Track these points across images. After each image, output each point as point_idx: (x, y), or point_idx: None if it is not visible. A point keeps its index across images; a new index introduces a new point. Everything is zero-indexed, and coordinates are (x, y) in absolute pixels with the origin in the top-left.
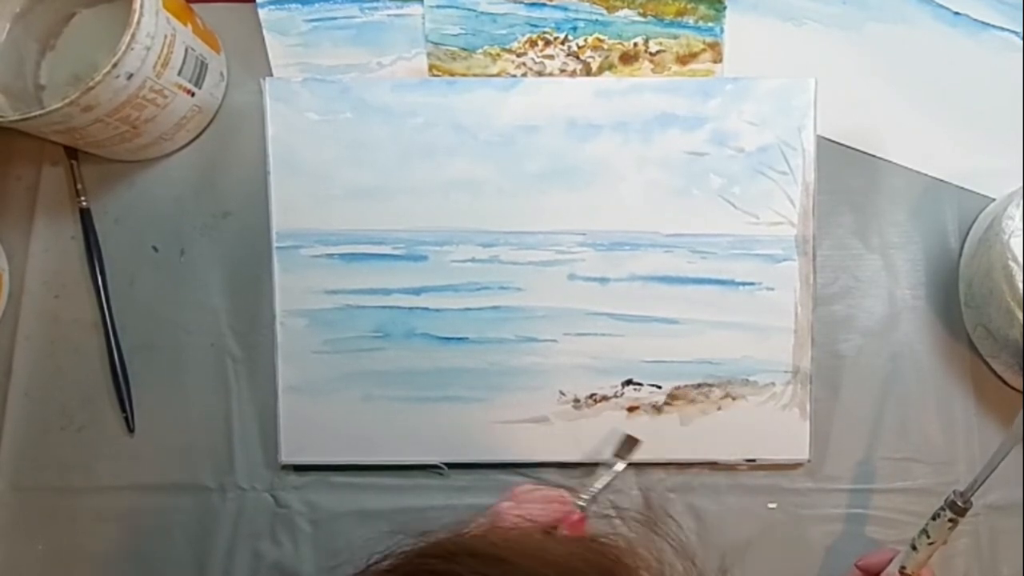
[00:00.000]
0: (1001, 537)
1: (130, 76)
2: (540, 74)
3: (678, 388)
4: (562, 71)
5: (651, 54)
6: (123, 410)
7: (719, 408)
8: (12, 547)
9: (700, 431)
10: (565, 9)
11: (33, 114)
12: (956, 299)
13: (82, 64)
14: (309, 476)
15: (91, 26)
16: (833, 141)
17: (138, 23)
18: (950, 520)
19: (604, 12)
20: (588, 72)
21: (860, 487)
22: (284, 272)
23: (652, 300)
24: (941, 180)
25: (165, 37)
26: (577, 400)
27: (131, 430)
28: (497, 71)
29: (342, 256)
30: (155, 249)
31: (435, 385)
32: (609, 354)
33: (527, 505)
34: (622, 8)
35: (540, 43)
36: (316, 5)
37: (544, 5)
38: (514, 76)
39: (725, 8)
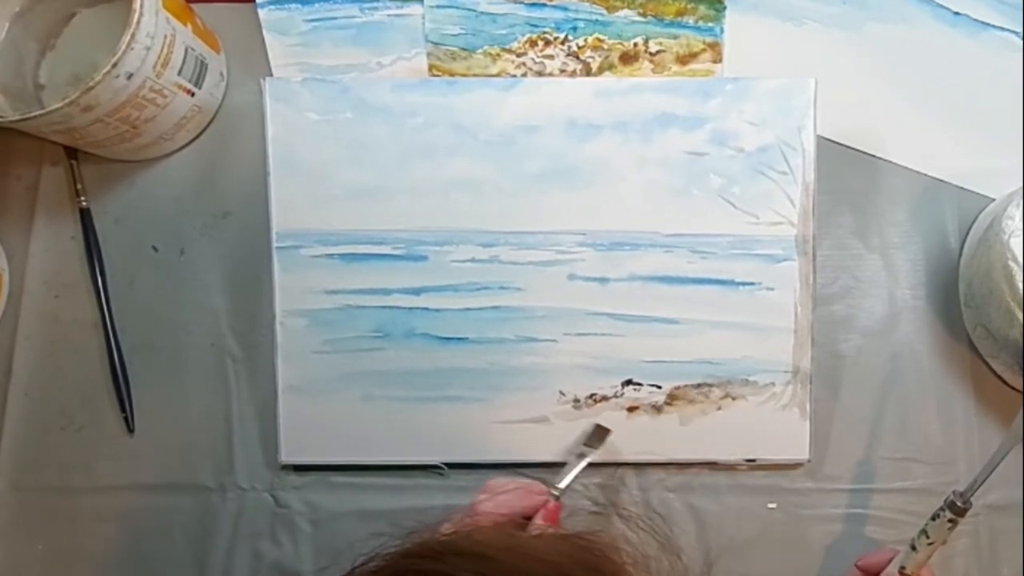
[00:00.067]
0: (1001, 537)
1: (130, 76)
2: (540, 74)
3: (678, 388)
4: (562, 71)
5: (651, 54)
6: (123, 410)
7: (719, 408)
8: (12, 547)
9: (700, 431)
10: (565, 9)
11: (33, 114)
12: (956, 299)
13: (82, 64)
14: (309, 476)
15: (91, 26)
16: (833, 141)
17: (138, 23)
18: (950, 520)
19: (604, 12)
20: (588, 72)
21: (860, 487)
22: (284, 272)
23: (652, 300)
24: (941, 180)
25: (165, 37)
26: (577, 400)
27: (131, 430)
28: (497, 71)
29: (342, 256)
30: (155, 249)
31: (435, 385)
32: (609, 354)
33: (502, 497)
34: (622, 8)
35: (540, 43)
36: (316, 5)
37: (544, 5)
38: (514, 76)
39: (725, 8)
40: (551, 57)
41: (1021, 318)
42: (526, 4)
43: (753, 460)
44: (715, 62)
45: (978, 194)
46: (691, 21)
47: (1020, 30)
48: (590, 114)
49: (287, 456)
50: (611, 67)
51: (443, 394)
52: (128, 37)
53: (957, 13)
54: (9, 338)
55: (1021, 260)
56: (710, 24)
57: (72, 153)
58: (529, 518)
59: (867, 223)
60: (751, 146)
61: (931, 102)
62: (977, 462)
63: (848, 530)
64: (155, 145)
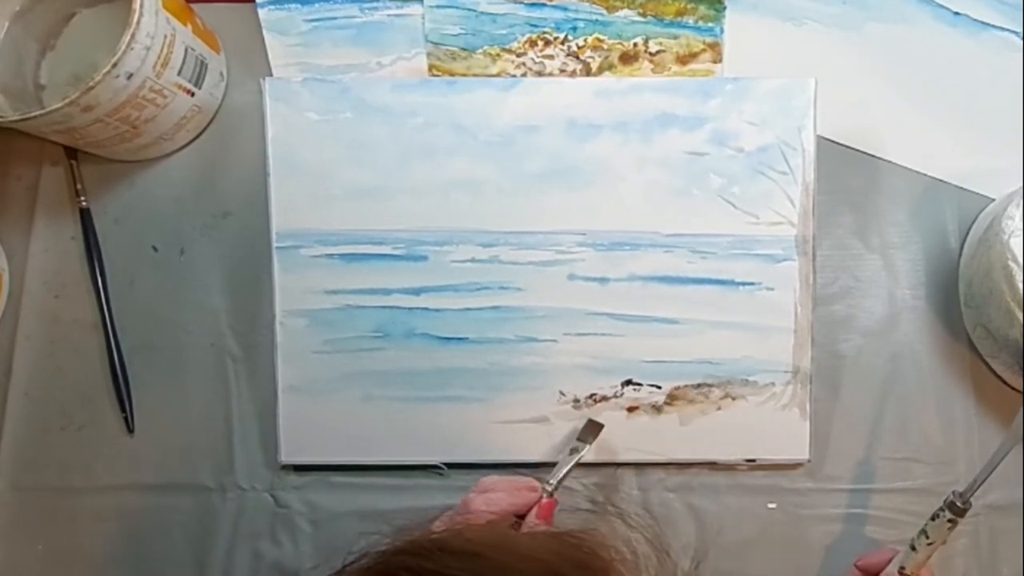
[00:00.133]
0: (1001, 537)
1: (130, 76)
2: (540, 74)
3: (678, 388)
4: (562, 71)
5: (651, 54)
6: (123, 410)
7: (719, 408)
8: (12, 547)
9: (700, 431)
10: (565, 9)
11: (33, 114)
12: (956, 299)
13: (82, 64)
14: (309, 476)
15: (91, 26)
16: (833, 141)
17: (138, 23)
18: (949, 520)
19: (604, 12)
20: (588, 72)
21: (860, 487)
22: (284, 272)
23: (652, 300)
24: (941, 180)
25: (165, 37)
26: (577, 400)
27: (131, 430)
28: (497, 71)
29: (342, 256)
30: (155, 249)
31: (435, 385)
32: (609, 354)
33: (494, 494)
34: (622, 8)
35: (540, 43)
36: (316, 5)
37: (544, 5)
38: (514, 76)
39: (725, 8)
40: (551, 57)
41: (1021, 318)
42: (526, 4)
43: (753, 460)
44: (715, 62)
45: (978, 194)
46: (691, 21)
47: (1020, 30)
48: (590, 114)
49: (287, 456)
50: (611, 67)
51: (443, 394)
52: (128, 37)
53: (957, 13)
54: (9, 338)
55: (1021, 260)
56: (710, 24)
57: (72, 153)
58: (523, 516)
59: (867, 223)
60: (751, 146)
61: (931, 102)
62: (977, 462)
63: (848, 530)
64: (155, 145)
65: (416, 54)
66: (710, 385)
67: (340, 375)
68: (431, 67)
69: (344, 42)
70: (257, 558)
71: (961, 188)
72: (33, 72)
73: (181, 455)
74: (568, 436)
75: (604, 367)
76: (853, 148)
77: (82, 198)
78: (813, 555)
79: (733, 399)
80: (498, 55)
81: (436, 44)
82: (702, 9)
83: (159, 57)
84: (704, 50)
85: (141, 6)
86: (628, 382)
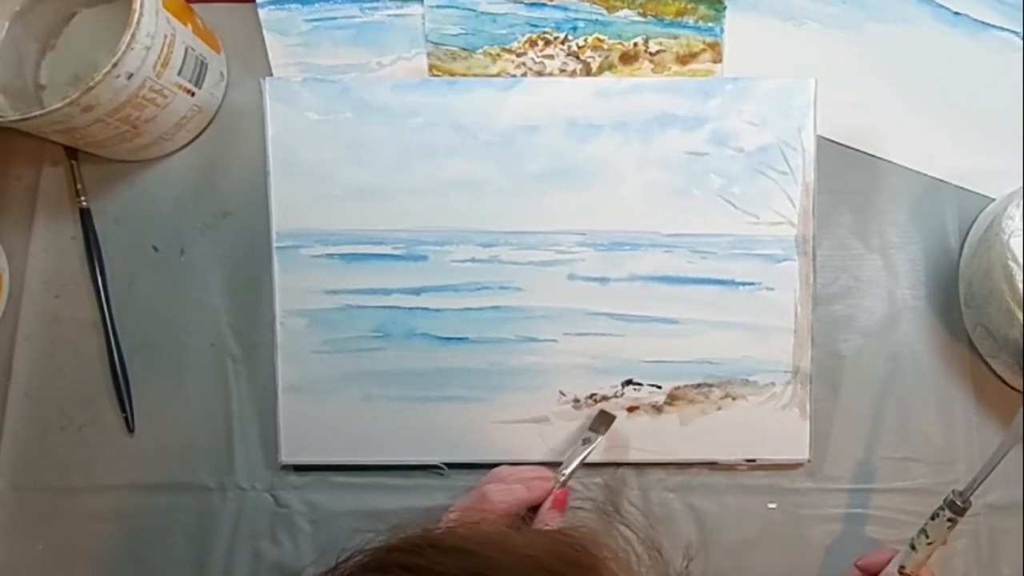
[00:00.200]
0: (1001, 537)
1: (130, 76)
2: (540, 74)
3: (678, 388)
4: (562, 71)
5: (651, 54)
6: (123, 410)
7: (719, 408)
8: (12, 547)
9: (700, 431)
10: (565, 9)
11: (33, 114)
12: (956, 299)
13: (82, 64)
14: (309, 476)
15: (91, 26)
16: (833, 141)
17: (138, 23)
18: (949, 520)
19: (604, 12)
20: (588, 72)
21: (860, 487)
22: (284, 272)
23: (652, 300)
24: (941, 180)
25: (165, 37)
26: (577, 400)
27: (131, 430)
28: (497, 71)
29: (342, 256)
30: (155, 249)
31: (435, 385)
32: (609, 354)
33: (514, 485)
34: (622, 8)
35: (540, 43)
36: (316, 5)
37: (544, 5)
38: (514, 76)
39: (725, 8)
40: (551, 57)
41: (1021, 318)
42: (526, 4)
43: (753, 460)
44: (715, 62)
45: (978, 194)
46: (691, 21)
47: (1020, 30)
48: (590, 114)
49: (287, 456)
50: (611, 67)
51: (443, 394)
52: (128, 37)
53: (957, 13)
54: (9, 338)
55: (1021, 260)
56: (710, 24)
57: (72, 153)
58: (536, 507)
59: (867, 223)
60: (751, 146)
61: (931, 102)
62: (977, 462)
63: (848, 530)
64: (155, 145)
65: (416, 54)
66: (710, 385)
67: (340, 375)
68: (431, 67)
69: (344, 42)
70: (257, 558)
71: (961, 188)
72: (33, 72)
73: (181, 455)
74: (568, 436)
75: (604, 367)
76: (853, 148)
77: (82, 198)
78: (813, 555)
79: (733, 399)
80: (498, 55)
81: (436, 44)
82: (702, 9)
83: (159, 57)
84: (704, 50)
85: (141, 6)
86: (628, 382)
